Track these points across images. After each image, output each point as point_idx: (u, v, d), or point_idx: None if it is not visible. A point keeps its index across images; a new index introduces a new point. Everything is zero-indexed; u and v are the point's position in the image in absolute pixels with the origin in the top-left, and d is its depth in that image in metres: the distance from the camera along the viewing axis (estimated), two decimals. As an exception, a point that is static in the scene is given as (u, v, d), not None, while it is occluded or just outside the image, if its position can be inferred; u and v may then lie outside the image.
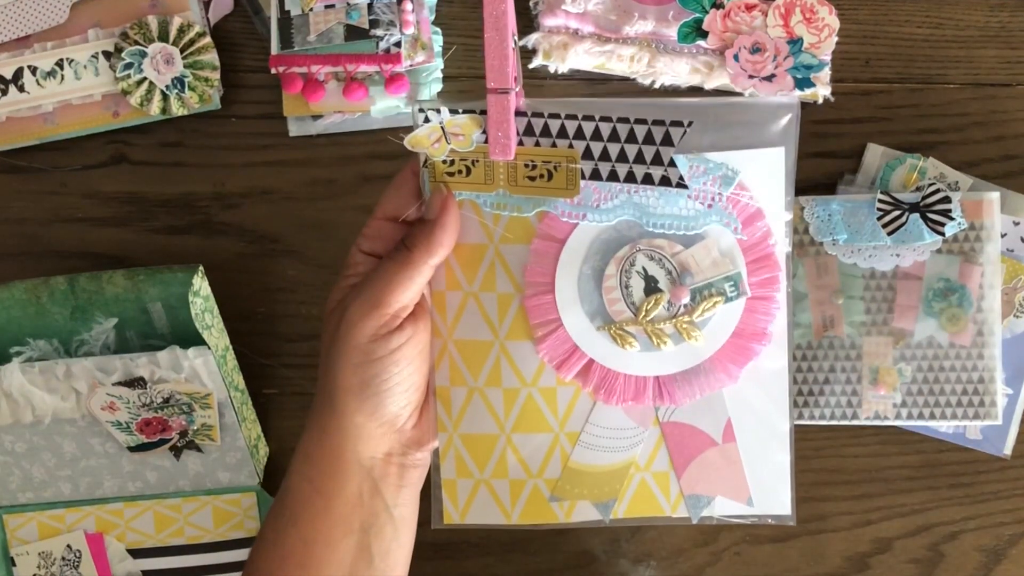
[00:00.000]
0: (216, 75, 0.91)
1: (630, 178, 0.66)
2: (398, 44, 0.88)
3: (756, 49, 0.88)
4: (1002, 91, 0.92)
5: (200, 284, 0.85)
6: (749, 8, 0.88)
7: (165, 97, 0.90)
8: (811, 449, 0.92)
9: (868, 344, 0.87)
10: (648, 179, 0.66)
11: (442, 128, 0.66)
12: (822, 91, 0.89)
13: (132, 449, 0.90)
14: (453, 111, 0.66)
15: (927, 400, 0.87)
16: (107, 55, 0.90)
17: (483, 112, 0.65)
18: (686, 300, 0.68)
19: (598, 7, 0.90)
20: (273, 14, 0.90)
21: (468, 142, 0.66)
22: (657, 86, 0.92)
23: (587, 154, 0.66)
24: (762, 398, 0.70)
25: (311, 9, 0.89)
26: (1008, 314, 0.88)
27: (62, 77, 0.91)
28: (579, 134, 0.66)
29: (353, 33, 0.88)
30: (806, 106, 0.90)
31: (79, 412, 0.88)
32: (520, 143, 0.66)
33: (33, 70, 0.90)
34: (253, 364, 0.92)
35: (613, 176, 0.66)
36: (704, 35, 0.89)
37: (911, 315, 0.86)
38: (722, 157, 0.66)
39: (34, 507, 0.92)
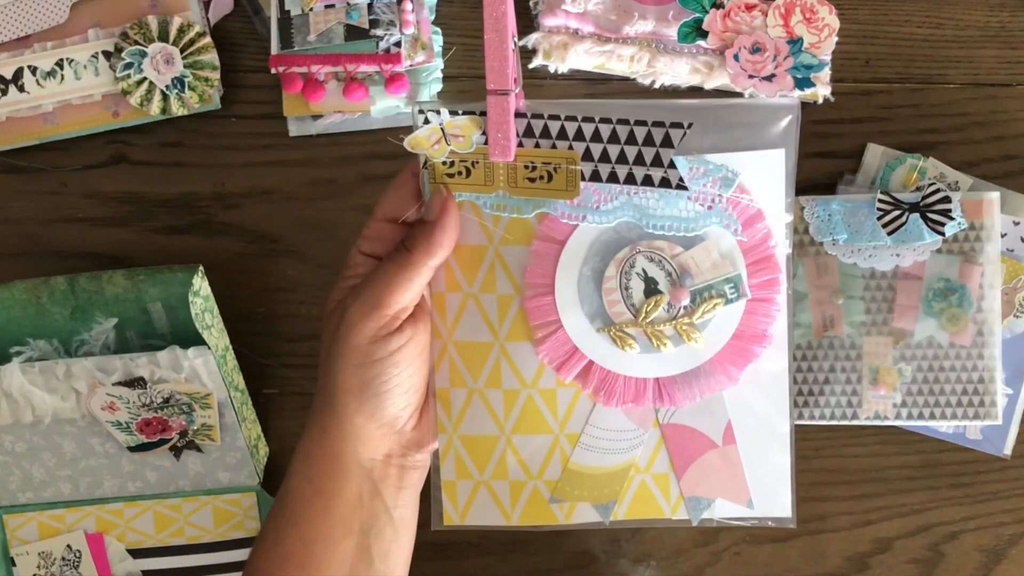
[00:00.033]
0: (216, 75, 0.91)
1: (630, 180, 0.66)
2: (398, 44, 0.88)
3: (756, 49, 0.88)
4: (1002, 91, 0.92)
5: (200, 284, 0.85)
6: (749, 8, 0.88)
7: (165, 97, 0.90)
8: (811, 449, 0.92)
9: (868, 344, 0.87)
10: (648, 181, 0.66)
11: (442, 129, 0.66)
12: (822, 91, 0.89)
13: (132, 449, 0.90)
14: (453, 112, 0.66)
15: (927, 400, 0.87)
16: (107, 55, 0.90)
17: (483, 113, 0.65)
18: (686, 302, 0.68)
19: (598, 7, 0.90)
20: (273, 14, 0.90)
21: (468, 143, 0.66)
22: (657, 86, 0.91)
23: (587, 156, 0.66)
24: (762, 400, 0.70)
25: (311, 9, 0.89)
26: (1008, 314, 0.88)
27: (62, 77, 0.91)
28: (579, 135, 0.66)
29: (353, 33, 0.88)
30: (806, 106, 0.90)
31: (79, 412, 0.88)
32: (520, 144, 0.66)
33: (33, 70, 0.90)
34: (253, 364, 0.92)
35: (613, 178, 0.66)
36: (704, 35, 0.89)
37: (911, 315, 0.86)
38: (722, 159, 0.66)
39: (34, 507, 0.92)
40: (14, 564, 0.93)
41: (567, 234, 0.68)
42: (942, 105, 0.92)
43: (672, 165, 0.65)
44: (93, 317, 0.88)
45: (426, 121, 0.66)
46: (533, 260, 0.69)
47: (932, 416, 0.87)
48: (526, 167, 0.67)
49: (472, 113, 0.66)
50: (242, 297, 0.93)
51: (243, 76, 0.93)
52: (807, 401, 0.87)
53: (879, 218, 0.85)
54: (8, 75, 0.90)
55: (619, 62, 0.91)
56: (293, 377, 0.93)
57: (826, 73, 0.89)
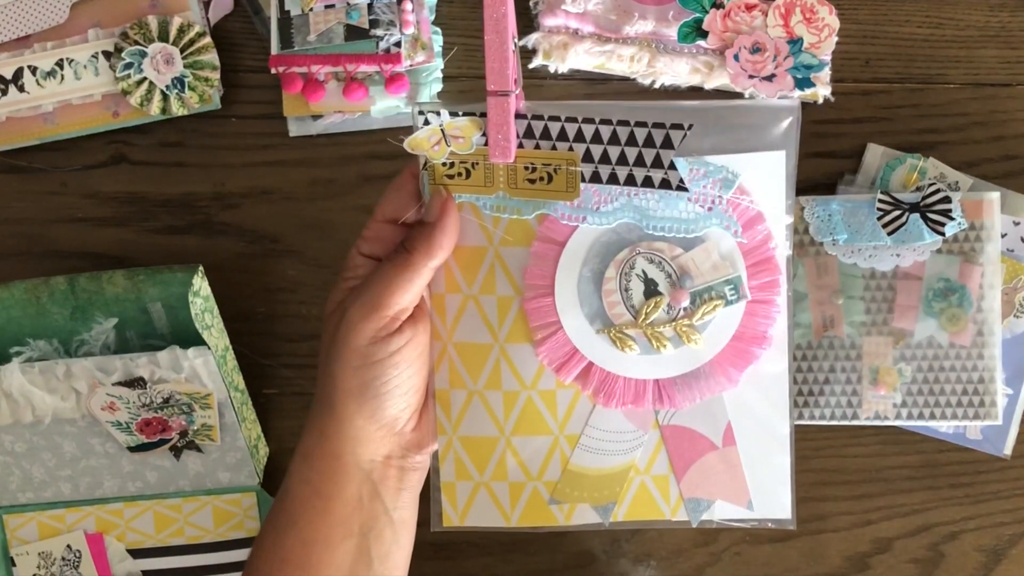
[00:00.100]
0: (216, 75, 0.91)
1: (630, 181, 0.66)
2: (398, 44, 0.88)
3: (756, 49, 0.87)
4: (1002, 91, 0.92)
5: (200, 284, 0.85)
6: (749, 8, 0.88)
7: (165, 97, 0.90)
8: (811, 449, 0.92)
9: (868, 344, 0.87)
10: (648, 182, 0.66)
11: (442, 130, 0.66)
12: (822, 91, 0.89)
13: (132, 449, 0.90)
14: (453, 113, 0.66)
15: (927, 400, 0.87)
16: (107, 55, 0.90)
17: (483, 114, 0.65)
18: (686, 303, 0.68)
19: (598, 7, 0.90)
20: (273, 14, 0.90)
21: (468, 144, 0.66)
22: (657, 86, 0.91)
23: (587, 157, 0.66)
24: (762, 402, 0.70)
25: (311, 9, 0.89)
26: (1008, 314, 0.88)
27: (62, 77, 0.90)
28: (579, 137, 0.66)
29: (353, 33, 0.88)
30: (806, 106, 0.90)
31: (79, 412, 0.88)
32: (520, 146, 0.66)
33: (33, 70, 0.90)
34: (253, 364, 0.92)
35: (613, 179, 0.66)
36: (704, 35, 0.89)
37: (911, 315, 0.86)
38: (722, 160, 0.66)
39: (34, 507, 0.92)
40: (14, 564, 0.93)
41: (567, 235, 0.68)
42: (942, 105, 0.92)
43: (672, 166, 0.65)
44: (93, 317, 0.88)
45: (426, 122, 0.66)
46: (533, 261, 0.69)
47: (932, 416, 0.87)
48: (526, 168, 0.67)
49: (472, 114, 0.66)
50: (242, 297, 0.93)
51: (243, 76, 0.93)
52: (807, 401, 0.87)
53: (879, 218, 0.85)
54: (8, 75, 0.90)
55: (619, 62, 0.91)
56: (293, 377, 0.93)
57: (826, 73, 0.89)
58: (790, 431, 0.70)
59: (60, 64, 0.90)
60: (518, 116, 0.66)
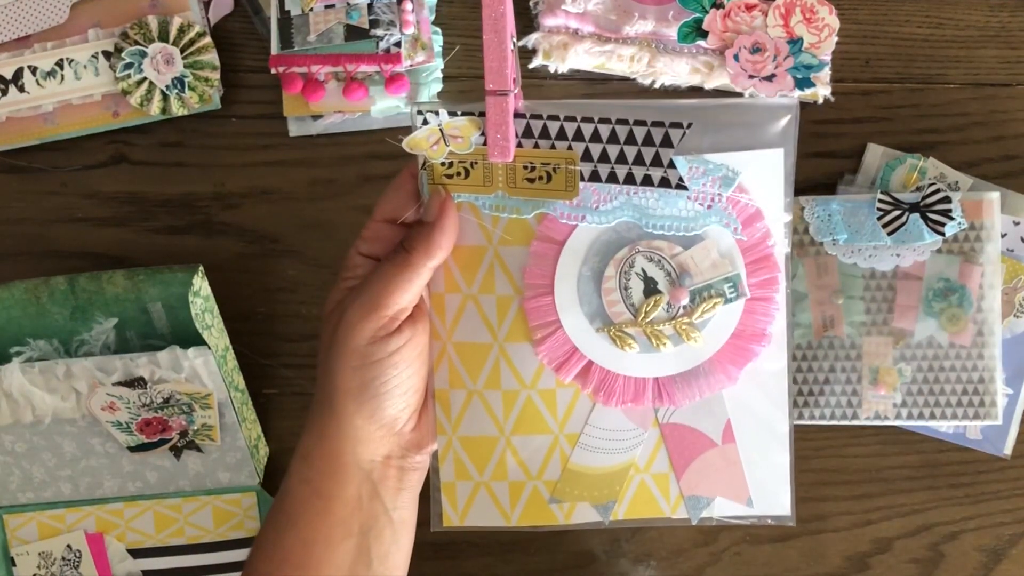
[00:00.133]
0: (216, 75, 0.91)
1: (629, 180, 0.66)
2: (398, 44, 0.88)
3: (756, 49, 0.88)
4: (1002, 91, 0.92)
5: (200, 284, 0.86)
6: (749, 8, 0.88)
7: (165, 97, 0.90)
8: (811, 449, 0.92)
9: (868, 344, 0.87)
10: (647, 180, 0.66)
11: (440, 130, 0.66)
12: (822, 91, 0.89)
13: (132, 449, 0.90)
14: (452, 113, 0.66)
15: (927, 400, 0.87)
16: (107, 55, 0.90)
17: (482, 114, 0.65)
18: (685, 301, 0.68)
19: (598, 7, 0.90)
20: (273, 14, 0.90)
21: (467, 144, 0.66)
22: (657, 86, 0.91)
23: (586, 156, 0.66)
24: (761, 399, 0.70)
25: (311, 9, 0.89)
26: (1008, 314, 0.88)
27: (62, 77, 0.91)
28: (578, 136, 0.66)
29: (353, 33, 0.88)
30: (806, 106, 0.90)
31: (79, 412, 0.88)
32: (519, 145, 0.66)
33: (33, 70, 0.90)
34: (253, 364, 0.92)
35: (612, 178, 0.66)
36: (704, 35, 0.89)
37: (911, 315, 0.86)
38: (721, 158, 0.66)
39: (34, 507, 0.92)
40: (14, 564, 0.93)
41: (566, 234, 0.68)
42: (942, 105, 0.92)
43: (672, 165, 0.65)
44: (93, 317, 0.88)
45: (425, 122, 0.66)
46: (532, 260, 0.69)
47: (932, 416, 0.87)
48: (525, 167, 0.67)
49: (471, 114, 0.66)
50: (242, 297, 0.93)
51: (243, 76, 0.93)
52: (807, 401, 0.87)
53: (879, 218, 0.85)
54: (8, 75, 0.90)
55: (619, 62, 0.91)
56: (293, 377, 0.93)
57: (826, 73, 0.89)
58: (789, 428, 0.70)
59: (60, 64, 0.90)
60: (517, 115, 0.66)
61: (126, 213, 0.93)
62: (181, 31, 0.90)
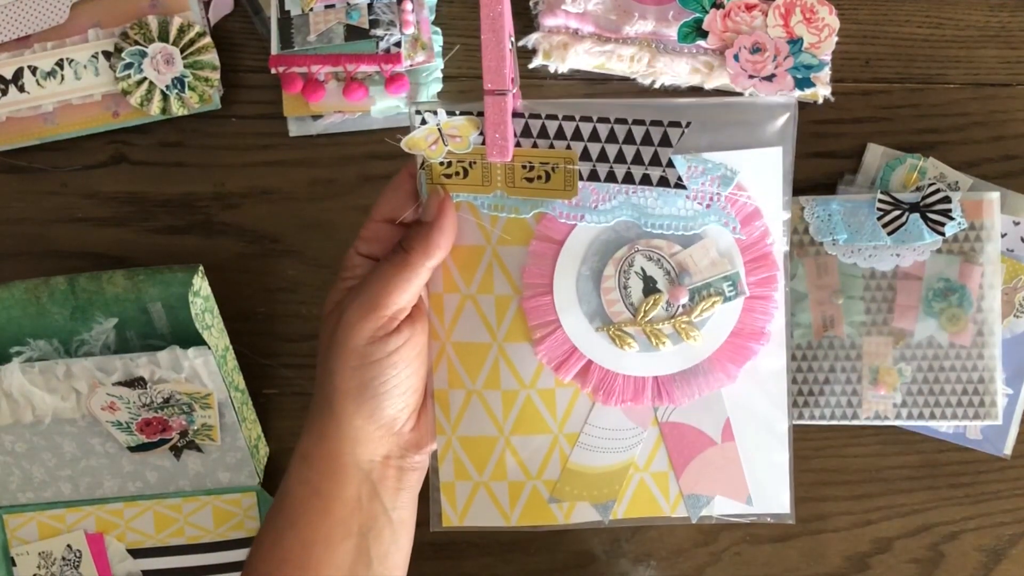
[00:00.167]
0: (216, 75, 0.91)
1: (628, 179, 0.66)
2: (398, 44, 0.88)
3: (756, 49, 0.88)
4: (1002, 91, 0.92)
5: (200, 284, 0.86)
6: (749, 8, 0.88)
7: (165, 97, 0.90)
8: (811, 449, 0.92)
9: (868, 344, 0.87)
10: (646, 180, 0.66)
11: (439, 130, 0.66)
12: (822, 91, 0.89)
13: (132, 449, 0.90)
14: (450, 113, 0.66)
15: (927, 400, 0.86)
16: (107, 55, 0.90)
17: (480, 114, 0.65)
18: (684, 300, 0.68)
19: (598, 7, 0.90)
20: (273, 14, 0.90)
21: (465, 144, 0.66)
22: (657, 86, 0.91)
23: (585, 155, 0.66)
24: (761, 397, 0.70)
25: (311, 9, 0.89)
26: (1008, 314, 0.88)
27: (62, 77, 0.91)
28: (577, 135, 0.66)
29: (353, 33, 0.88)
30: (806, 106, 0.90)
31: (79, 412, 0.88)
32: (518, 144, 0.66)
33: (33, 70, 0.90)
34: (253, 364, 0.92)
35: (611, 177, 0.66)
36: (704, 35, 0.89)
37: (911, 315, 0.86)
38: (720, 157, 0.66)
39: (34, 507, 0.92)
40: (14, 564, 0.93)
41: (565, 234, 0.68)
42: (942, 105, 0.92)
43: (670, 164, 0.65)
44: (93, 317, 0.88)
45: (423, 122, 0.66)
46: (531, 260, 0.69)
47: (932, 416, 0.87)
48: (524, 167, 0.67)
49: (469, 113, 0.66)
50: (242, 297, 0.93)
51: (243, 76, 0.93)
52: (807, 401, 0.87)
53: (879, 218, 0.85)
54: (8, 75, 0.90)
55: (619, 62, 0.91)
56: (293, 377, 0.93)
57: (826, 73, 0.89)
58: (789, 426, 0.70)
59: (60, 64, 0.90)
60: (515, 115, 0.66)
61: (126, 213, 0.93)
62: (181, 31, 0.90)
